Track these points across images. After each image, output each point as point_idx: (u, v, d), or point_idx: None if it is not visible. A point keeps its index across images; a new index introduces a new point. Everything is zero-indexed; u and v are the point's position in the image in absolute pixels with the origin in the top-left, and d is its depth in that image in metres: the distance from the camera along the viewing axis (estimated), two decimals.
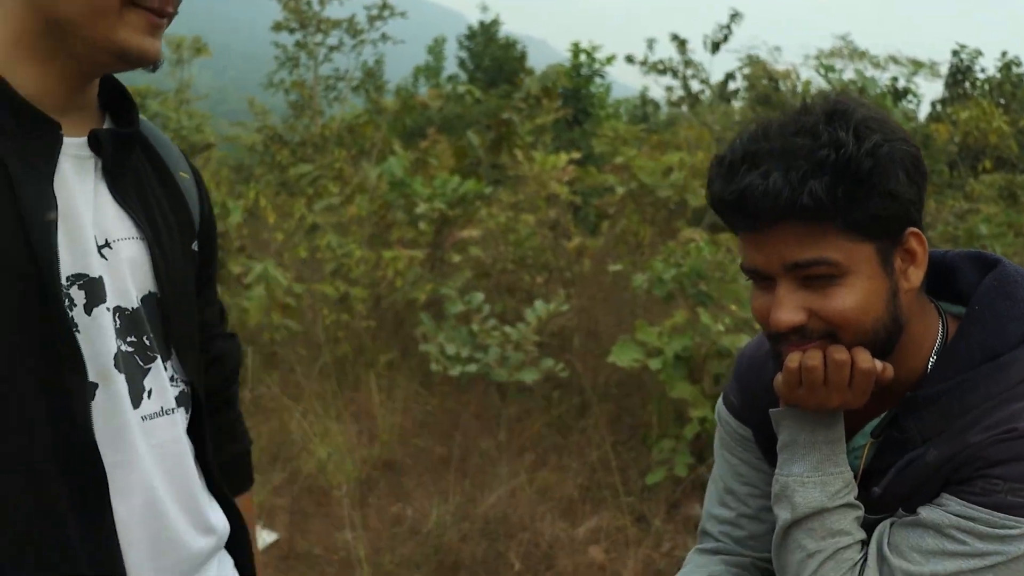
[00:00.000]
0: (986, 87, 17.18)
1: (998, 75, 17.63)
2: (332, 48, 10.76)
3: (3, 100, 1.09)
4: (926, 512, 1.23)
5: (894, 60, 16.96)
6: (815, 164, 1.14)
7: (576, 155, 8.56)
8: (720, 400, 1.54)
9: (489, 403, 5.20)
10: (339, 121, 8.76)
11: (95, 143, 1.17)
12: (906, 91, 16.64)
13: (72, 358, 1.10)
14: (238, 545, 1.43)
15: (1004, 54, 17.65)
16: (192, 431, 1.31)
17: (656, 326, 4.61)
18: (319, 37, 10.62)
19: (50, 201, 1.09)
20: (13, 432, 1.07)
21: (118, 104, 1.26)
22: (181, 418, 1.27)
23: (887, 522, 1.28)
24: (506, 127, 7.27)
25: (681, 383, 4.31)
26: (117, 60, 1.13)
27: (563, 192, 8.17)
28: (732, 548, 1.48)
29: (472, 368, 4.46)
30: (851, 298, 1.20)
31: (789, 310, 1.20)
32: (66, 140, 1.13)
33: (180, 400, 1.27)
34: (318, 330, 5.88)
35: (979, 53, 17.45)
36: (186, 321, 1.30)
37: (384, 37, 11.04)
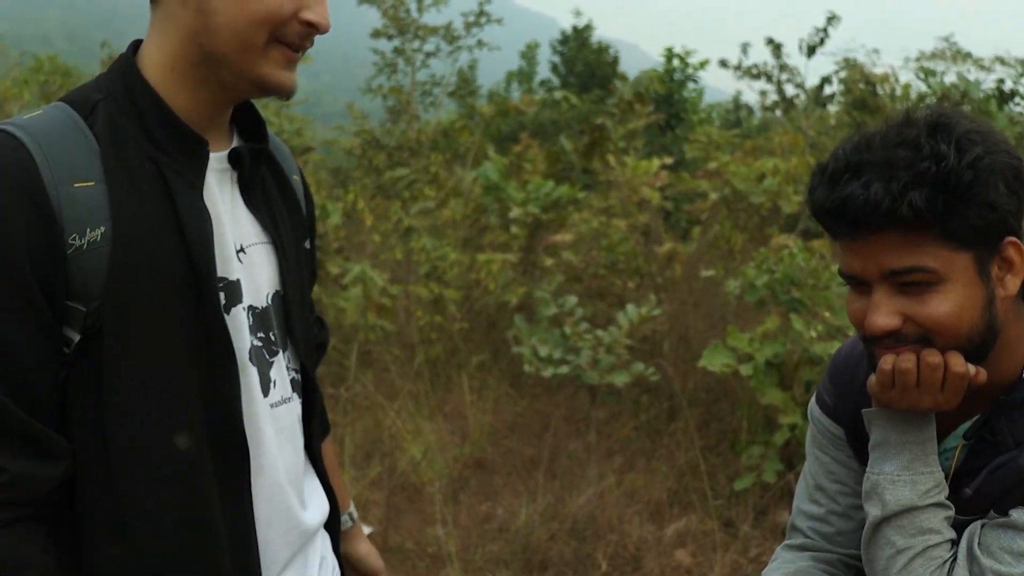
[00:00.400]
0: None
1: None
2: (429, 54, 10.97)
3: (163, 118, 1.22)
4: (1018, 514, 1.26)
5: (1001, 61, 16.34)
6: (915, 176, 1.18)
7: (668, 160, 8.55)
8: (813, 399, 1.58)
9: (578, 406, 5.26)
10: (435, 126, 8.95)
11: (235, 158, 1.31)
12: (1013, 93, 16.01)
13: (227, 353, 1.24)
14: (333, 526, 1.55)
15: None
16: (302, 416, 1.43)
17: (747, 332, 4.61)
18: (417, 43, 10.84)
19: (204, 214, 1.23)
20: (177, 419, 1.21)
21: (245, 119, 1.38)
22: (296, 404, 1.40)
23: (978, 523, 1.30)
24: (599, 132, 7.31)
25: (772, 389, 4.29)
26: (258, 90, 1.26)
27: (655, 197, 8.17)
28: (820, 544, 1.52)
29: (564, 370, 4.53)
30: (946, 305, 1.23)
31: (885, 315, 1.25)
32: (211, 155, 1.26)
33: (294, 387, 1.39)
34: (412, 331, 6.02)
35: None
36: (303, 315, 1.43)
37: (480, 43, 11.20)
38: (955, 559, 1.29)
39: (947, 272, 1.23)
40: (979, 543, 1.27)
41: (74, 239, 1.12)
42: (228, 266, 1.26)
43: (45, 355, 1.13)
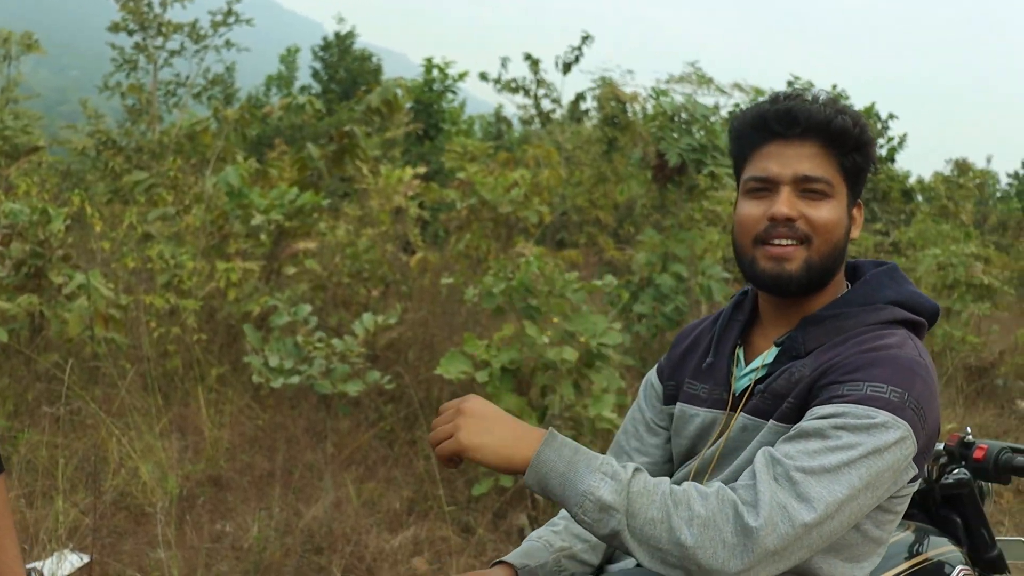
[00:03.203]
0: None
1: None
2: (173, 52, 10.39)
3: None
4: (806, 422, 1.43)
5: (739, 87, 17.79)
6: (841, 108, 1.56)
7: (421, 170, 8.60)
8: (654, 368, 1.88)
9: (320, 418, 5.14)
10: (178, 128, 8.52)
11: None
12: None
13: None
14: None
15: (834, 87, 18.80)
16: None
17: (486, 339, 4.68)
18: (159, 40, 10.25)
19: None
20: None
21: None
22: None
23: (766, 447, 1.44)
24: (348, 139, 7.22)
25: (508, 395, 4.38)
26: None
27: (410, 207, 8.18)
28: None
29: (295, 380, 4.40)
30: (832, 214, 1.56)
31: (789, 206, 1.55)
32: None
33: None
34: (145, 343, 5.68)
35: (811, 84, 18.47)
36: None
37: (228, 44, 10.75)
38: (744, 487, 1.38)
39: (836, 191, 1.57)
40: (779, 452, 1.40)
41: None
42: None
43: None
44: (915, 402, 1.43)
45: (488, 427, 1.39)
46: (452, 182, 9.30)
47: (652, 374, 1.85)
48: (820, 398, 1.46)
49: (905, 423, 1.41)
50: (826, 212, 1.55)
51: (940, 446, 2.18)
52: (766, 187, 1.57)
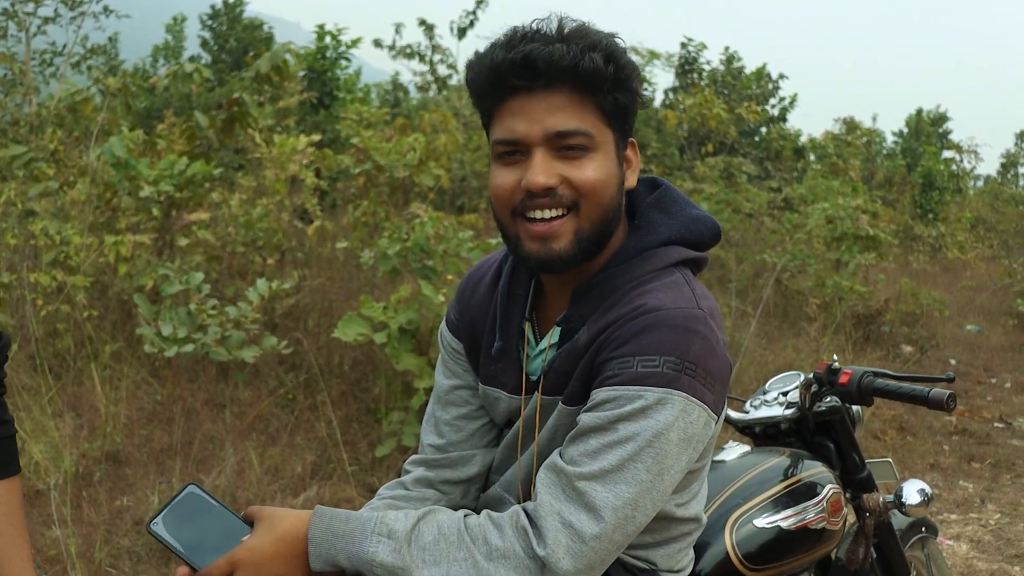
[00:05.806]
0: (710, 78, 18.61)
1: (721, 67, 19.16)
2: (47, 19, 9.92)
3: None
4: (585, 415, 1.35)
5: (635, 51, 18.00)
6: (590, 43, 1.34)
7: (316, 137, 8.47)
8: (443, 321, 1.69)
9: (219, 389, 5.09)
10: (58, 100, 8.18)
11: None
12: (641, 80, 17.68)
13: None
14: None
15: (727, 49, 19.17)
16: None
17: (384, 302, 4.69)
18: (30, 6, 9.76)
19: None
20: None
21: None
22: None
23: (552, 457, 1.37)
24: (238, 107, 7.07)
25: (407, 355, 4.41)
26: None
27: (306, 176, 8.06)
28: (441, 461, 1.66)
29: (189, 348, 4.33)
30: (599, 172, 1.37)
31: (545, 173, 1.35)
32: None
33: None
34: (32, 323, 5.50)
35: (704, 46, 18.82)
36: None
37: (107, 10, 10.31)
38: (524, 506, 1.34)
39: (599, 142, 1.37)
40: (563, 458, 1.34)
41: None
42: None
43: None
44: (692, 365, 1.31)
45: (275, 568, 1.30)
46: (348, 150, 9.20)
47: (448, 335, 1.67)
48: (598, 378, 1.36)
49: (681, 393, 1.30)
50: (591, 170, 1.36)
51: (811, 375, 2.32)
52: (516, 150, 1.37)
